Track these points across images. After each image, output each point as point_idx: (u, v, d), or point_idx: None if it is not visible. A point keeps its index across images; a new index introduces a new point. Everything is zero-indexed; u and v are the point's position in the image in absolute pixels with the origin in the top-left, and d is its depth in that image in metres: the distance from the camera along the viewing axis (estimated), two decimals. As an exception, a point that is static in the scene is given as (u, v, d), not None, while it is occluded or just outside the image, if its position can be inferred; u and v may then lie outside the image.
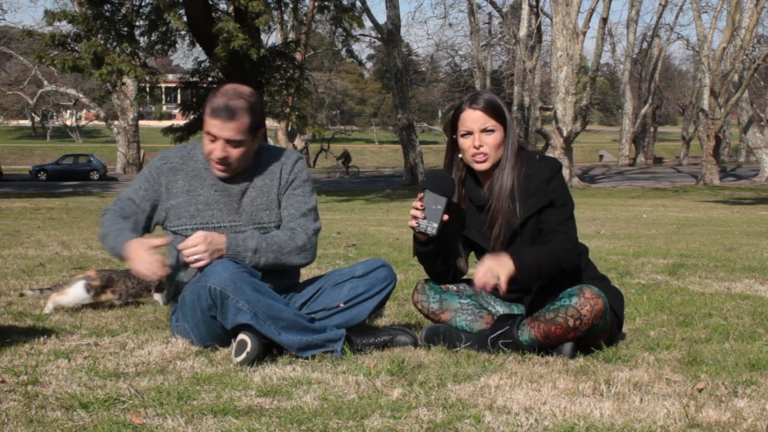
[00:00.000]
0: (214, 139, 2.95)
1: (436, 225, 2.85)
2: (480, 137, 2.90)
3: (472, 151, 2.91)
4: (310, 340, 2.84)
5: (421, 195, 2.88)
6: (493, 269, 2.76)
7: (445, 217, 2.86)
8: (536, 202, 2.89)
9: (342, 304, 3.04)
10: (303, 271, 3.32)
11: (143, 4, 20.98)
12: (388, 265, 3.14)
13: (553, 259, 2.84)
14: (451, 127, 2.99)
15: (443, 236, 2.93)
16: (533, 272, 2.82)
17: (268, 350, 2.81)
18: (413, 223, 2.88)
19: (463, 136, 2.93)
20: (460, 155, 2.97)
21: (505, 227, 2.92)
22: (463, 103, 2.95)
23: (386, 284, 3.09)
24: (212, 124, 2.93)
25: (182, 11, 19.94)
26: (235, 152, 2.98)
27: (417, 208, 2.87)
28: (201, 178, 3.06)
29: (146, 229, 3.11)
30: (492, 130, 2.90)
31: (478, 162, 2.92)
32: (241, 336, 2.77)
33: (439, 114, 70.14)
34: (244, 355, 2.72)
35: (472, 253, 3.15)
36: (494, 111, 2.91)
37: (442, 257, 3.05)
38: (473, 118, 2.91)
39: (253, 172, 3.10)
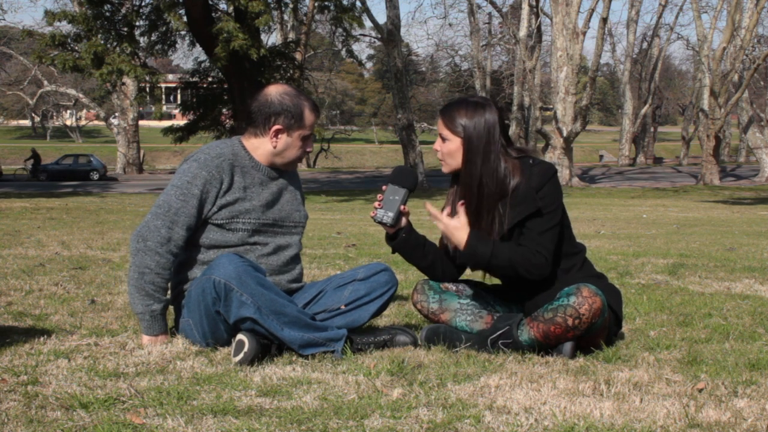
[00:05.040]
0: (311, 136, 3.14)
1: (392, 214, 2.95)
2: (438, 141, 3.03)
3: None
4: (311, 338, 2.84)
5: (384, 188, 3.00)
6: (448, 235, 2.97)
7: (404, 207, 2.97)
8: (521, 211, 2.90)
9: (343, 306, 3.05)
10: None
11: (143, 4, 21.00)
12: (390, 270, 3.16)
13: (513, 263, 2.90)
14: None
15: (409, 229, 3.02)
16: (480, 261, 2.93)
17: (266, 350, 2.81)
18: (372, 213, 2.99)
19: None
20: None
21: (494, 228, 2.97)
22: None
23: (388, 288, 3.10)
24: (313, 120, 3.10)
25: (182, 11, 19.97)
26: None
27: (378, 200, 2.99)
28: (251, 176, 3.09)
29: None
30: (445, 139, 2.99)
31: (442, 164, 3.06)
32: (240, 336, 2.77)
33: (439, 114, 70.03)
34: (241, 355, 2.72)
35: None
36: (448, 121, 2.98)
37: (417, 251, 3.07)
38: (438, 122, 3.04)
39: (283, 171, 3.19)
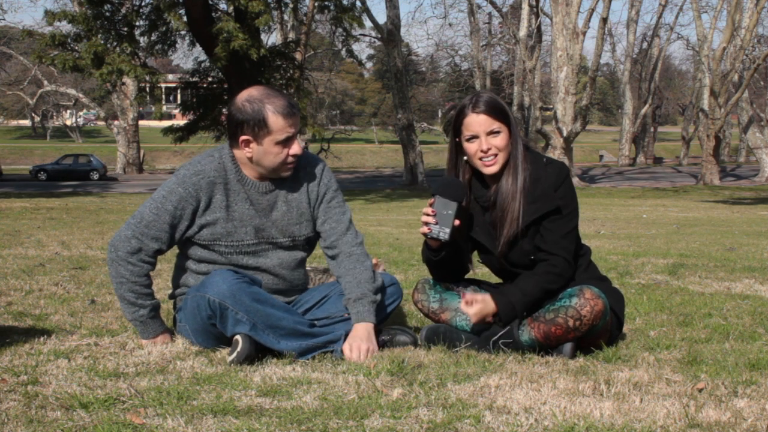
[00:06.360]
0: (291, 139, 2.91)
1: (448, 230, 2.83)
2: (487, 140, 2.88)
3: (480, 154, 2.89)
4: (310, 345, 2.85)
5: (431, 201, 2.86)
6: (481, 315, 2.88)
7: (457, 222, 2.85)
8: (540, 208, 2.88)
9: (347, 314, 3.00)
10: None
11: (143, 4, 20.98)
12: (396, 282, 3.14)
13: (544, 288, 2.87)
14: (454, 131, 2.96)
15: (455, 241, 2.92)
16: (518, 310, 2.87)
17: (263, 349, 2.81)
18: (425, 229, 2.86)
19: (468, 140, 2.90)
20: (465, 158, 2.95)
21: (512, 228, 2.91)
22: (465, 107, 2.90)
23: (392, 300, 3.10)
24: (282, 123, 2.88)
25: (182, 11, 19.95)
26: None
27: (428, 214, 2.85)
28: (235, 192, 2.98)
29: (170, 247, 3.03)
30: (498, 132, 2.88)
31: (487, 165, 2.90)
32: (236, 336, 2.78)
33: (439, 114, 70.15)
34: (234, 354, 2.73)
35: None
36: (497, 112, 2.88)
37: (452, 263, 3.03)
38: (478, 122, 2.87)
39: (280, 183, 3.03)
